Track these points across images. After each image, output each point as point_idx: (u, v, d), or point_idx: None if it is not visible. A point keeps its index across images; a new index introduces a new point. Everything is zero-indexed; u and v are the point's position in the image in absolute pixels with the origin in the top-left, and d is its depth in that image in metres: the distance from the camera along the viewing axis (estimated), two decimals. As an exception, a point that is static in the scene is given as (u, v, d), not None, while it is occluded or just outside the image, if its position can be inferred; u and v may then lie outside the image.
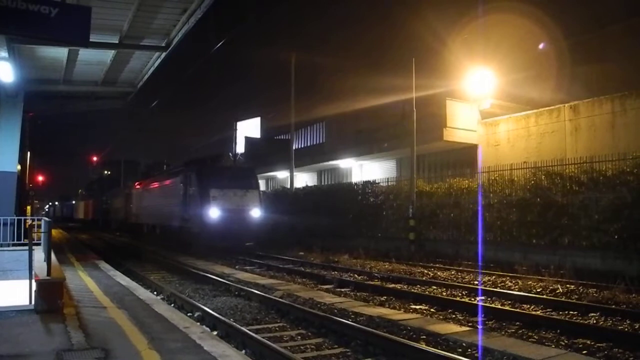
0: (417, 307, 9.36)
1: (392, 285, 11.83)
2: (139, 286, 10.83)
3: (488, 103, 21.82)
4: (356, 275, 13.93)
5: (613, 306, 8.86)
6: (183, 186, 22.42)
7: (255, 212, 21.23)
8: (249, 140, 31.49)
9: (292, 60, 27.64)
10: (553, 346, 6.58)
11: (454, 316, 8.66)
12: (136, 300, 8.70)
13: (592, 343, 6.71)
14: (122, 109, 20.92)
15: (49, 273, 7.70)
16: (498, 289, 10.87)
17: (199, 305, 9.27)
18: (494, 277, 12.72)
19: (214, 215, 20.09)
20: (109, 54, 14.08)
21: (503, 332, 7.41)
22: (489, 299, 10.07)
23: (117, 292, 9.41)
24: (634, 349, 6.34)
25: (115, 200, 43.39)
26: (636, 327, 7.63)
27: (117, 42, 12.95)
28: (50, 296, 7.23)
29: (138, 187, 33.15)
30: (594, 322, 7.95)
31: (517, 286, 11.35)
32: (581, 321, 7.86)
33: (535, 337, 7.13)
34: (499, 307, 9.17)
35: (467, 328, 7.55)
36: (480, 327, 7.75)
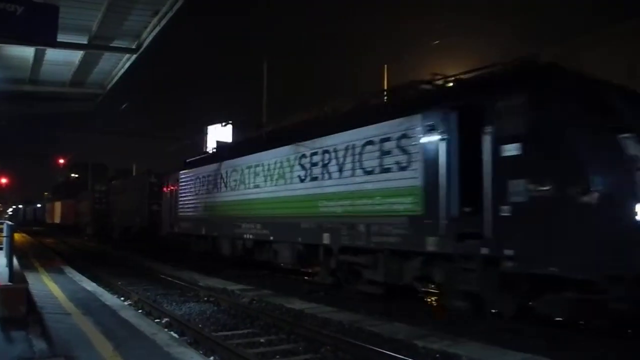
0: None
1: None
2: (106, 292, 10.62)
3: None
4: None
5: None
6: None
7: None
8: (220, 145, 31.26)
9: (264, 65, 27.49)
10: None
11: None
12: (102, 306, 8.52)
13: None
14: (91, 111, 20.47)
15: (11, 279, 7.48)
16: None
17: (167, 311, 9.14)
18: None
19: None
20: (78, 55, 13.79)
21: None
22: None
23: (83, 298, 9.18)
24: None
25: (128, 195, 30.36)
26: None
27: (86, 42, 12.69)
28: (12, 303, 6.99)
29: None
30: None
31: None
32: None
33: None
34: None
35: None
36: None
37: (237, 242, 14.87)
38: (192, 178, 18.40)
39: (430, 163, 8.56)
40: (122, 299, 10.99)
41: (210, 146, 30.99)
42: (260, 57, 28.93)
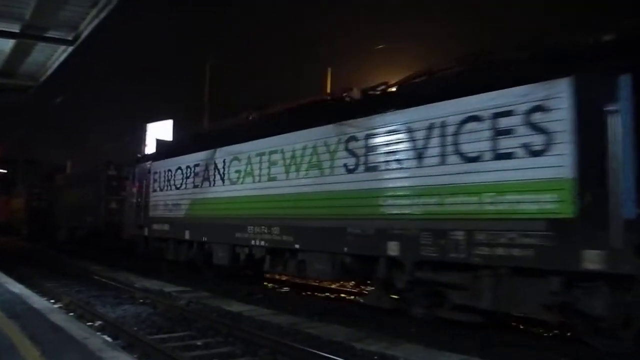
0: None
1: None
2: (34, 294, 10.12)
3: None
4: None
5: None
6: None
7: None
8: (160, 143, 30.56)
9: (207, 64, 27.15)
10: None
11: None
12: (29, 309, 8.10)
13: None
14: (22, 103, 19.53)
15: None
16: None
17: (101, 313, 8.83)
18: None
19: None
20: (8, 44, 13.12)
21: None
22: None
23: (7, 301, 8.70)
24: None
25: (78, 190, 25.56)
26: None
27: (17, 31, 12.11)
28: None
29: None
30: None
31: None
32: None
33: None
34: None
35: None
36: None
37: (240, 250, 11.63)
38: (170, 169, 14.63)
39: (589, 145, 6.16)
40: (52, 301, 10.51)
41: (151, 144, 30.36)
42: (205, 55, 28.52)
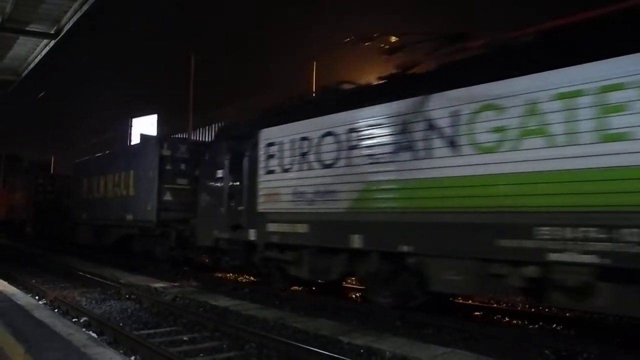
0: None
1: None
2: (18, 291, 10.01)
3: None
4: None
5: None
6: None
7: None
8: (144, 138, 30.42)
9: (191, 57, 26.95)
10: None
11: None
12: (13, 306, 8.03)
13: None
14: (2, 98, 19.25)
15: None
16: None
17: (86, 309, 8.78)
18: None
19: None
20: (-11, 38, 12.95)
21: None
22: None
23: (-9, 298, 8.64)
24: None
25: (112, 178, 18.61)
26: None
27: (-3, 24, 11.94)
28: None
29: None
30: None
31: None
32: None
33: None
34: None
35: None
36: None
37: (511, 272, 6.82)
38: (307, 136, 9.75)
39: None
40: (37, 298, 10.43)
41: (135, 139, 30.15)
42: (188, 48, 28.32)
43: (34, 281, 12.70)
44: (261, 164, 10.71)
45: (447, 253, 7.39)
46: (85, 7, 11.22)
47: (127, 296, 10.74)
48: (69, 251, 20.17)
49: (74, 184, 22.18)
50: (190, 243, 14.22)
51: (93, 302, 10.23)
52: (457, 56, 7.99)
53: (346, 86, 10.12)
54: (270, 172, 10.47)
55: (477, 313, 8.94)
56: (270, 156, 10.51)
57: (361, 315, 8.54)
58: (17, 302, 8.36)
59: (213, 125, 35.06)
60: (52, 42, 13.19)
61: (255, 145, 10.91)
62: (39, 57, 14.58)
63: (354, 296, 10.70)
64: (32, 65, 15.40)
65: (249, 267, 11.59)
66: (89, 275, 13.46)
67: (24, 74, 16.19)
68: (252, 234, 10.75)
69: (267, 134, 10.69)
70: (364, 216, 8.57)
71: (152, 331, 7.74)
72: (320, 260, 9.54)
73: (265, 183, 10.58)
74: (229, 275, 13.81)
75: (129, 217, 16.69)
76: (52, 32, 12.57)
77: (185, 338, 7.36)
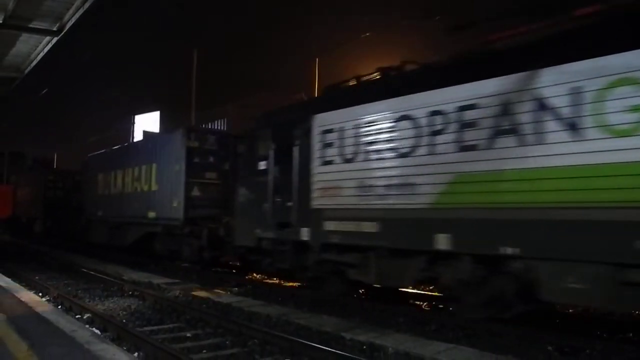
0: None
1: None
2: (22, 288, 10.06)
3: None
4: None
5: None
6: None
7: None
8: (147, 135, 30.45)
9: (194, 54, 26.94)
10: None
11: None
12: (17, 303, 8.04)
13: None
14: (5, 95, 19.28)
15: None
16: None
17: (89, 306, 8.80)
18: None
19: None
20: (-9, 35, 12.96)
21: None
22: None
23: (-5, 295, 8.66)
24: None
25: (130, 171, 17.33)
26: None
27: (1, 21, 11.92)
28: None
29: None
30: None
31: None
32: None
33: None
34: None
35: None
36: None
37: None
38: (375, 121, 8.51)
39: None
40: (40, 294, 10.45)
41: (138, 136, 30.13)
42: (190, 45, 28.29)
43: (37, 278, 12.72)
44: (316, 154, 9.39)
45: (566, 256, 6.22)
46: (87, 4, 11.22)
47: (130, 293, 10.76)
48: (73, 249, 20.17)
49: (87, 179, 20.80)
50: (224, 243, 13.11)
51: (96, 298, 10.25)
52: (566, 25, 6.80)
53: (410, 66, 8.87)
54: (328, 162, 9.18)
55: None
56: (328, 145, 9.18)
57: (364, 311, 8.55)
58: (21, 299, 8.38)
59: (215, 122, 35.08)
60: (55, 39, 13.19)
61: (307, 133, 9.56)
62: (42, 54, 14.60)
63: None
64: (34, 63, 15.42)
65: (298, 270, 10.22)
66: (92, 272, 13.47)
67: (26, 71, 16.22)
68: (304, 233, 9.50)
69: (323, 120, 9.34)
70: (453, 212, 7.27)
71: (155, 327, 7.75)
72: (392, 263, 8.23)
73: (321, 175, 9.26)
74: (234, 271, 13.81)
75: (151, 214, 15.46)
76: (55, 29, 12.58)
77: (188, 334, 7.36)
